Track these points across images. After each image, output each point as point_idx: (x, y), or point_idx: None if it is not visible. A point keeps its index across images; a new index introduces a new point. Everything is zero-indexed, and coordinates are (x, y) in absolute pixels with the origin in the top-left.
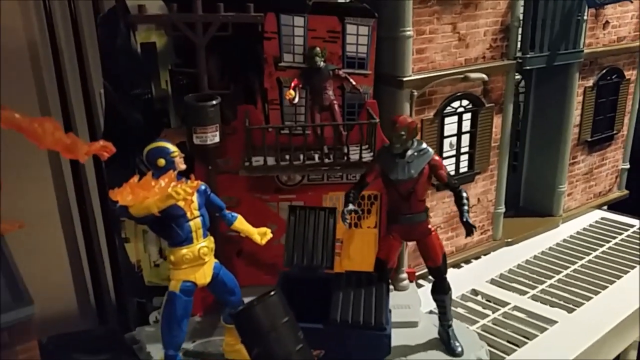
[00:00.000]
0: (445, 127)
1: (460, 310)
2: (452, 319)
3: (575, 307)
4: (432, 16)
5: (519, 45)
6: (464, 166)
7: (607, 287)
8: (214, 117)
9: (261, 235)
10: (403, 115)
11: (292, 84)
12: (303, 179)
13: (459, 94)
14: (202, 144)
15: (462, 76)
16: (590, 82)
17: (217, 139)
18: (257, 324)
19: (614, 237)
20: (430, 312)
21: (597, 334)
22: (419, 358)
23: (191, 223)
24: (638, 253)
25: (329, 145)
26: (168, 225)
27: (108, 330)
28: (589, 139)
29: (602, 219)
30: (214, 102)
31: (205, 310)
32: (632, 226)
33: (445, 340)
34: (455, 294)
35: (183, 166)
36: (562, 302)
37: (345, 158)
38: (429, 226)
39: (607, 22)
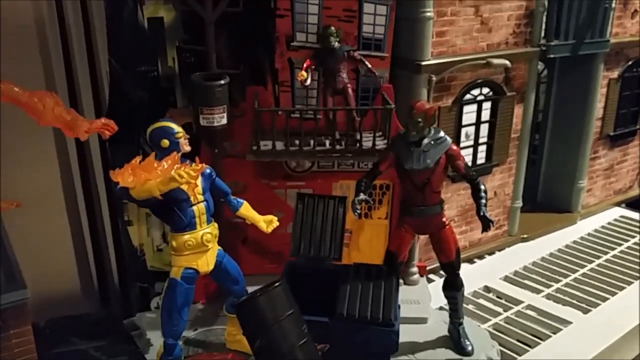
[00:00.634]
0: (464, 115)
1: (471, 307)
2: (463, 317)
3: (591, 308)
4: None
5: (543, 33)
6: (481, 157)
7: (624, 287)
8: (222, 97)
9: (267, 222)
10: (421, 101)
11: (305, 65)
12: (313, 166)
13: (479, 80)
14: (208, 125)
15: (484, 62)
16: (615, 74)
17: (224, 121)
18: (259, 316)
19: (633, 236)
20: (441, 308)
21: (613, 336)
22: (427, 356)
23: (194, 208)
24: None
25: (341, 131)
26: (170, 210)
27: (108, 314)
28: (612, 133)
29: (621, 217)
30: (222, 81)
31: (208, 297)
32: None
33: (455, 339)
34: (467, 290)
35: (188, 148)
36: (577, 302)
37: (358, 145)
38: (444, 219)
39: (635, 10)
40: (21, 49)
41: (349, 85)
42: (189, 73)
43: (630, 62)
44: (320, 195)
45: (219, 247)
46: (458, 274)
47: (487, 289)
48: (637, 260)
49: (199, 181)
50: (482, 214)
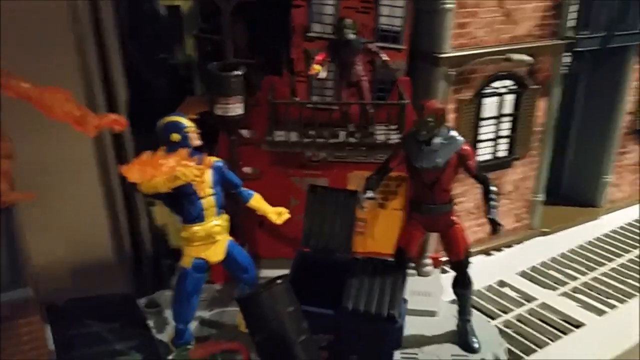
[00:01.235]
0: (485, 108)
1: (484, 302)
2: (471, 314)
3: (606, 310)
4: None
5: (572, 23)
6: (502, 149)
7: None
8: (237, 87)
9: (277, 214)
10: (432, 100)
11: (319, 58)
12: (328, 156)
13: (501, 73)
14: (223, 115)
15: (504, 57)
16: None
17: (240, 111)
18: (261, 311)
19: None
20: (452, 301)
21: (626, 343)
22: (433, 350)
23: (203, 201)
24: None
25: (355, 122)
26: (180, 202)
27: (125, 296)
28: None
29: None
30: (238, 72)
31: (226, 279)
32: None
33: (462, 335)
34: (482, 284)
35: (197, 142)
36: (592, 303)
37: (371, 138)
38: (453, 218)
39: None
40: (53, 31)
41: (364, 77)
42: (207, 61)
43: None
44: (332, 188)
45: (230, 238)
46: (467, 272)
47: (502, 283)
48: None
49: (209, 175)
50: (491, 216)
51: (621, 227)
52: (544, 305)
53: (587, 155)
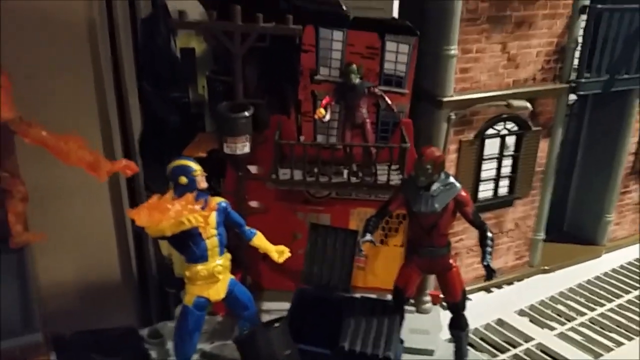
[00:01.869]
0: (486, 149)
1: (481, 340)
2: (467, 355)
3: (603, 353)
4: (480, 34)
5: (574, 66)
6: (503, 188)
7: None
8: (245, 128)
9: (279, 253)
10: (431, 148)
11: (324, 102)
12: (331, 193)
13: (503, 115)
14: (231, 153)
15: (504, 103)
16: None
17: (247, 149)
18: (257, 352)
19: None
20: (450, 340)
21: None
22: None
23: (207, 242)
24: None
25: (358, 162)
26: (185, 243)
27: (129, 329)
28: None
29: None
30: (246, 113)
31: (228, 310)
32: None
33: None
34: (480, 322)
35: (204, 184)
36: (589, 345)
37: (373, 178)
38: (450, 261)
39: None
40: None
41: (367, 120)
42: (218, 101)
43: None
44: (333, 227)
45: (231, 276)
46: (463, 315)
47: (501, 322)
48: None
49: (213, 216)
50: (485, 263)
51: (621, 266)
52: (541, 346)
53: (589, 194)
